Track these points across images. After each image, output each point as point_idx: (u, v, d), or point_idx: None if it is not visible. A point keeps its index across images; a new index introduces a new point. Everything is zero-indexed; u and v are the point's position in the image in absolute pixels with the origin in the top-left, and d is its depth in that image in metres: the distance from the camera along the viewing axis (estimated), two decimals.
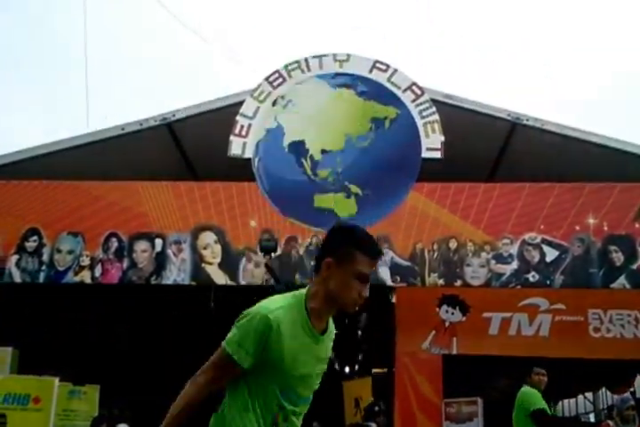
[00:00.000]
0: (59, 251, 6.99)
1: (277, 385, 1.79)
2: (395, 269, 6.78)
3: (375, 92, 7.10)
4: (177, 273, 6.90)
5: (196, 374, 1.81)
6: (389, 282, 6.81)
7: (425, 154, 6.89)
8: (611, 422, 5.23)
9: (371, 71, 7.16)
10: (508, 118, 7.53)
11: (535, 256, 6.76)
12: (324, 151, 7.00)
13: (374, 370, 9.93)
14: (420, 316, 7.25)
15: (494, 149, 8.05)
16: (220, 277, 6.84)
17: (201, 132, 7.69)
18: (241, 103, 7.15)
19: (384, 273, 6.78)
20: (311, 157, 6.96)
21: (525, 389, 4.80)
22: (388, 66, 7.19)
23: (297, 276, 6.74)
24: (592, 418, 14.21)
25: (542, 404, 4.68)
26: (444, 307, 7.29)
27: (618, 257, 6.72)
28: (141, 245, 7.00)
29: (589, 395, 14.17)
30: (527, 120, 7.49)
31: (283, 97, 7.14)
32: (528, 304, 7.27)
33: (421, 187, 6.93)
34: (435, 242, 6.83)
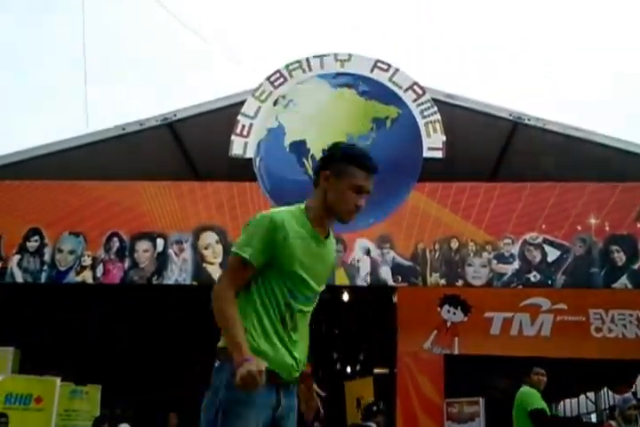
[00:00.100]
0: (60, 251, 6.99)
1: (285, 285, 1.86)
2: (396, 269, 6.78)
3: (376, 91, 7.10)
4: (178, 273, 6.91)
5: (214, 288, 1.87)
6: (391, 282, 6.80)
7: (426, 154, 6.88)
8: (613, 423, 5.23)
9: (372, 71, 7.16)
10: (510, 118, 7.52)
11: (537, 256, 6.75)
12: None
13: (376, 370, 9.93)
14: (422, 316, 7.24)
15: (496, 149, 8.04)
16: None
17: (202, 131, 7.69)
18: (242, 103, 7.15)
19: (385, 273, 6.77)
20: (312, 156, 6.95)
21: (524, 389, 4.81)
22: (389, 65, 7.18)
23: None
24: (594, 418, 14.21)
25: (541, 404, 4.69)
26: (446, 307, 7.29)
27: (619, 257, 6.71)
28: (143, 245, 7.01)
29: (591, 395, 14.17)
30: (529, 120, 7.48)
31: (284, 97, 7.13)
32: (529, 304, 7.27)
33: (423, 187, 6.92)
34: (436, 242, 6.83)
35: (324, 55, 7.22)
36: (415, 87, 7.11)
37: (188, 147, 8.29)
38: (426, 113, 7.02)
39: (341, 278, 6.75)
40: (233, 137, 6.96)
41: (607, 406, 12.83)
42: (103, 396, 7.37)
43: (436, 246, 6.82)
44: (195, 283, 6.94)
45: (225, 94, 7.67)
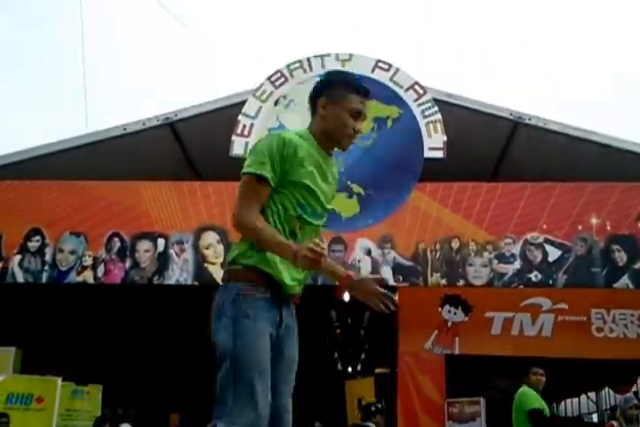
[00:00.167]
0: (61, 251, 6.99)
1: (295, 198, 1.91)
2: (397, 268, 6.78)
3: (377, 91, 7.09)
4: (179, 273, 6.91)
5: (235, 219, 1.89)
6: (392, 282, 6.80)
7: (427, 153, 6.88)
8: (615, 423, 5.22)
9: (373, 71, 7.16)
10: (511, 118, 7.52)
11: (537, 256, 6.75)
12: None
13: (377, 370, 9.93)
14: (423, 316, 7.24)
15: (496, 149, 8.04)
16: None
17: (203, 131, 7.69)
18: (243, 103, 7.15)
19: (386, 273, 6.77)
20: None
21: (522, 389, 4.83)
22: (390, 65, 7.19)
23: None
24: (595, 418, 14.21)
25: (538, 404, 4.70)
26: (447, 307, 7.29)
27: (620, 257, 6.70)
28: (144, 245, 7.01)
29: (592, 395, 14.16)
30: (529, 119, 7.48)
31: (285, 97, 7.13)
32: (530, 304, 7.27)
33: (424, 186, 6.92)
34: (437, 242, 6.82)
35: (325, 55, 7.22)
36: (416, 87, 7.11)
37: (189, 147, 8.30)
38: (427, 113, 7.02)
39: None
40: (234, 137, 6.96)
41: (608, 406, 12.82)
42: (104, 396, 7.37)
43: (437, 246, 6.82)
44: (196, 283, 6.94)
45: (226, 94, 7.67)
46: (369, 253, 6.79)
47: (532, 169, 7.47)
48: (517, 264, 6.72)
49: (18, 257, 6.96)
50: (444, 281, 6.79)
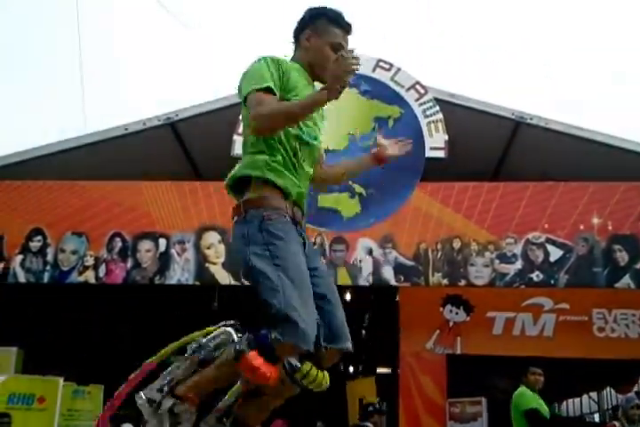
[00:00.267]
0: (63, 251, 7.00)
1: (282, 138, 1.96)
2: (398, 268, 6.77)
3: (378, 91, 7.09)
4: (181, 273, 6.91)
5: (252, 121, 1.91)
6: (393, 282, 6.80)
7: (428, 153, 6.87)
8: (617, 423, 5.21)
9: (374, 70, 7.15)
10: (512, 117, 7.51)
11: (539, 256, 6.74)
12: (327, 151, 6.96)
13: (378, 370, 9.93)
14: (424, 315, 7.24)
15: (498, 149, 8.03)
16: (223, 277, 6.84)
17: (204, 131, 7.69)
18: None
19: (388, 273, 6.77)
20: None
21: (520, 389, 4.85)
22: (391, 65, 7.18)
23: None
24: (597, 418, 14.18)
25: (535, 404, 4.72)
26: (448, 307, 7.29)
27: (622, 256, 6.69)
28: (145, 245, 7.01)
29: (594, 395, 14.13)
30: (531, 119, 7.47)
31: None
32: (532, 304, 7.26)
33: (425, 186, 6.91)
34: (438, 242, 6.82)
35: None
36: (417, 87, 7.11)
37: (190, 146, 8.30)
38: (428, 112, 7.02)
39: (343, 278, 6.75)
40: (235, 137, 6.95)
41: (610, 406, 12.81)
42: (106, 396, 7.37)
43: (439, 246, 6.81)
44: (197, 283, 6.94)
45: (227, 94, 7.67)
46: (370, 252, 6.79)
47: (533, 169, 7.46)
48: (519, 264, 6.72)
49: (19, 257, 6.97)
50: (445, 281, 6.78)
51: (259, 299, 1.79)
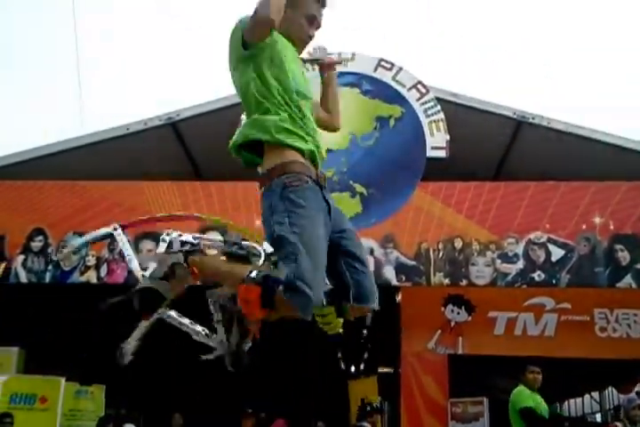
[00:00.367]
0: None
1: (287, 75, 1.97)
2: (400, 268, 6.77)
3: (380, 90, 7.09)
4: None
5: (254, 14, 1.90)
6: (394, 282, 6.79)
7: (430, 153, 6.86)
8: (619, 424, 5.20)
9: (375, 70, 7.15)
10: (514, 117, 7.50)
11: (541, 255, 6.73)
12: (328, 150, 6.94)
13: (380, 369, 9.92)
14: (426, 315, 7.23)
15: (499, 148, 8.02)
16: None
17: (206, 131, 7.69)
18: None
19: (389, 273, 6.76)
20: None
21: (518, 388, 4.87)
22: (392, 64, 7.17)
23: None
24: (598, 418, 14.16)
25: (530, 402, 4.73)
26: (450, 306, 7.28)
27: (624, 256, 6.69)
28: (147, 245, 7.01)
29: (596, 395, 14.11)
30: (533, 118, 7.46)
31: None
32: (534, 304, 7.25)
33: (426, 186, 6.91)
34: (440, 241, 6.81)
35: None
36: (419, 86, 7.10)
37: (191, 146, 8.30)
38: (429, 112, 7.01)
39: None
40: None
41: (612, 406, 12.78)
42: (108, 396, 7.38)
43: (440, 246, 6.81)
44: (199, 282, 6.93)
45: (228, 94, 7.66)
46: (371, 252, 6.78)
47: (535, 168, 7.45)
48: (520, 264, 6.71)
49: (21, 257, 6.97)
50: (446, 281, 6.77)
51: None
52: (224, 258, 1.92)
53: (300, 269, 1.72)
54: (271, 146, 1.94)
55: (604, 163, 7.16)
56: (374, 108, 7.06)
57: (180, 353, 10.09)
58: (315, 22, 2.09)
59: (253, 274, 1.74)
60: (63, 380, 6.69)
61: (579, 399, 15.61)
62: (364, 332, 10.37)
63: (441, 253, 6.79)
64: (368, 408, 6.79)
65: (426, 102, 7.04)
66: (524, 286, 6.82)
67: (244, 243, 1.88)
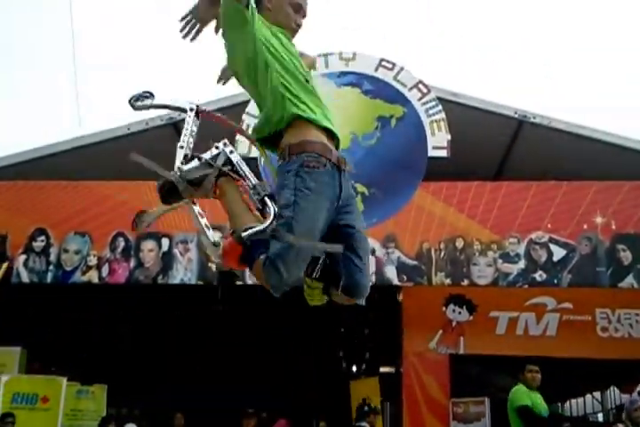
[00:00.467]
0: (66, 251, 7.01)
1: (287, 53, 1.97)
2: (401, 268, 6.77)
3: (381, 90, 7.08)
4: (184, 273, 6.92)
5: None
6: (396, 281, 6.79)
7: (431, 152, 6.86)
8: (621, 425, 5.19)
9: (376, 70, 7.14)
10: (515, 116, 7.49)
11: (542, 255, 6.72)
12: None
13: (381, 369, 9.92)
14: (427, 315, 7.23)
15: (501, 148, 8.02)
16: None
17: (207, 131, 7.69)
18: (247, 102, 7.15)
19: (390, 272, 6.76)
20: None
21: (516, 387, 4.88)
22: (394, 64, 7.17)
23: None
24: (600, 417, 14.16)
25: (527, 400, 4.74)
26: (451, 306, 7.28)
27: (626, 256, 6.68)
28: (148, 245, 7.02)
29: (597, 394, 14.10)
30: (534, 118, 7.45)
31: None
32: (535, 303, 7.25)
33: (428, 186, 6.90)
34: (441, 241, 6.81)
35: (329, 54, 7.20)
36: (420, 86, 7.10)
37: (193, 146, 8.29)
38: (431, 112, 7.01)
39: None
40: (237, 136, 6.95)
41: (614, 406, 12.77)
42: (109, 396, 7.39)
43: (442, 246, 6.80)
44: (200, 282, 6.95)
45: (229, 94, 7.67)
46: (373, 252, 6.78)
47: (536, 168, 7.45)
48: (522, 264, 6.71)
49: (23, 257, 6.98)
50: (448, 281, 6.77)
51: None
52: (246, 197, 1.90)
53: (286, 249, 1.72)
54: (289, 121, 1.92)
55: (605, 162, 7.15)
56: (375, 108, 7.06)
57: (182, 353, 10.11)
58: (301, 11, 2.09)
59: (246, 233, 1.75)
60: (65, 380, 6.70)
61: (580, 399, 15.60)
62: (366, 332, 10.37)
63: (442, 253, 6.79)
64: (366, 409, 6.78)
65: (427, 102, 7.04)
66: (526, 286, 6.81)
67: (266, 198, 1.85)
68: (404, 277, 6.78)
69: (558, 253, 6.70)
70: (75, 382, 7.12)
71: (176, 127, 7.90)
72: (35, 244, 7.03)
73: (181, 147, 1.98)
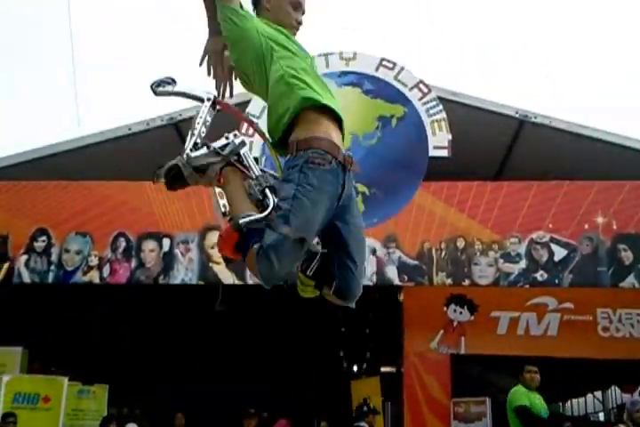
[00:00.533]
0: (67, 251, 7.02)
1: (288, 50, 1.99)
2: (402, 268, 6.76)
3: (382, 90, 7.08)
4: (185, 273, 6.92)
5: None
6: (397, 281, 6.79)
7: (432, 152, 6.86)
8: (622, 426, 5.19)
9: (377, 69, 7.14)
10: (516, 116, 7.49)
11: (543, 255, 6.72)
12: None
13: (382, 369, 9.92)
14: (428, 315, 7.23)
15: (502, 147, 8.01)
16: (227, 277, 6.85)
17: (208, 131, 7.69)
18: (247, 102, 7.16)
19: (391, 272, 6.76)
20: None
21: (515, 388, 4.90)
22: (394, 64, 7.17)
23: None
24: (601, 417, 14.17)
25: (525, 401, 4.76)
26: (452, 306, 7.27)
27: (627, 256, 6.67)
28: (149, 245, 7.02)
29: (598, 394, 14.11)
30: (535, 118, 7.45)
31: None
32: (536, 303, 7.24)
33: (428, 185, 6.90)
34: (442, 241, 6.81)
35: (329, 54, 7.20)
36: (421, 85, 7.09)
37: None
38: (431, 111, 7.00)
39: None
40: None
41: (615, 405, 12.78)
42: (110, 395, 7.39)
43: (442, 246, 6.80)
44: (201, 283, 6.95)
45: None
46: (374, 252, 6.78)
47: (537, 168, 7.44)
48: (523, 264, 6.70)
49: (24, 257, 6.99)
50: (449, 280, 6.77)
51: None
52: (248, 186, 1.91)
53: (280, 240, 1.72)
54: (297, 113, 1.93)
55: (606, 162, 7.15)
56: (376, 108, 7.06)
57: (183, 353, 10.12)
58: (300, 8, 2.11)
59: (243, 220, 1.75)
60: (66, 379, 6.71)
61: (581, 399, 15.61)
62: (367, 331, 10.37)
63: (443, 253, 6.79)
64: (365, 409, 6.78)
65: (428, 102, 7.03)
66: (527, 286, 6.81)
67: (267, 190, 1.86)
68: (405, 277, 6.78)
69: (559, 252, 6.70)
70: (76, 382, 7.13)
71: (177, 128, 7.90)
72: (36, 244, 7.03)
73: (193, 134, 1.99)
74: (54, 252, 7.01)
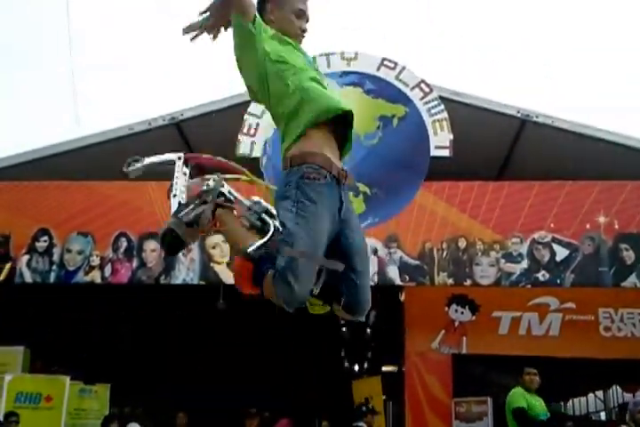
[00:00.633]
0: (69, 251, 7.02)
1: (297, 69, 2.00)
2: (403, 268, 6.76)
3: (383, 90, 7.07)
4: (186, 273, 6.92)
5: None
6: (398, 281, 6.79)
7: (433, 152, 6.85)
8: None
9: (378, 69, 7.13)
10: (518, 116, 7.48)
11: (545, 255, 6.72)
12: None
13: (384, 369, 9.93)
14: (430, 315, 7.23)
15: (503, 147, 8.00)
16: (228, 277, 6.85)
17: (209, 131, 7.70)
18: (249, 102, 7.15)
19: (393, 272, 6.76)
20: None
21: (513, 390, 4.92)
22: (395, 64, 7.16)
23: None
24: (603, 416, 14.17)
25: (523, 403, 4.81)
26: (454, 306, 7.28)
27: (629, 256, 6.67)
28: (151, 245, 7.03)
29: (600, 394, 14.10)
30: (537, 117, 7.44)
31: None
32: (538, 303, 7.25)
33: (430, 185, 6.90)
34: (444, 241, 6.80)
35: (331, 53, 7.20)
36: (422, 85, 7.08)
37: (195, 146, 8.29)
38: (433, 111, 6.99)
39: None
40: (240, 136, 6.96)
41: (616, 405, 12.76)
42: (112, 395, 7.40)
43: (444, 246, 6.80)
44: (202, 282, 6.95)
45: (231, 93, 7.67)
46: (375, 252, 6.78)
47: (539, 167, 7.43)
48: (525, 263, 6.70)
49: (26, 257, 7.00)
50: (450, 280, 6.77)
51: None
52: (245, 222, 1.92)
53: (293, 261, 1.73)
54: (298, 129, 1.94)
55: (608, 162, 7.14)
56: (377, 108, 7.05)
57: (185, 352, 10.13)
58: (304, 16, 2.13)
59: (252, 249, 1.77)
60: (68, 379, 6.72)
61: (583, 398, 15.61)
62: (368, 331, 10.38)
63: (445, 253, 6.79)
64: (364, 409, 6.80)
65: (429, 101, 7.02)
66: (529, 286, 6.80)
67: (263, 215, 1.89)
68: (407, 277, 6.78)
69: (561, 252, 6.69)
70: (78, 382, 7.14)
71: (179, 127, 7.91)
72: (37, 244, 7.04)
73: (174, 195, 2.02)
74: (56, 252, 7.02)
